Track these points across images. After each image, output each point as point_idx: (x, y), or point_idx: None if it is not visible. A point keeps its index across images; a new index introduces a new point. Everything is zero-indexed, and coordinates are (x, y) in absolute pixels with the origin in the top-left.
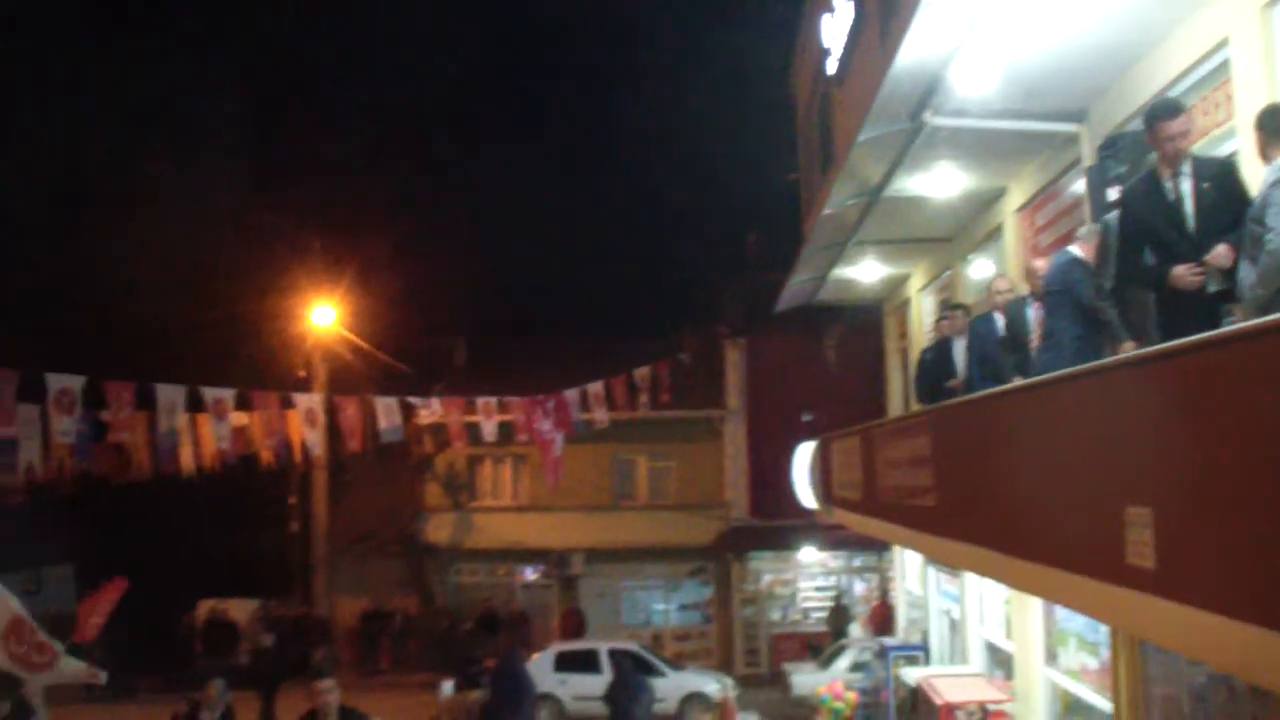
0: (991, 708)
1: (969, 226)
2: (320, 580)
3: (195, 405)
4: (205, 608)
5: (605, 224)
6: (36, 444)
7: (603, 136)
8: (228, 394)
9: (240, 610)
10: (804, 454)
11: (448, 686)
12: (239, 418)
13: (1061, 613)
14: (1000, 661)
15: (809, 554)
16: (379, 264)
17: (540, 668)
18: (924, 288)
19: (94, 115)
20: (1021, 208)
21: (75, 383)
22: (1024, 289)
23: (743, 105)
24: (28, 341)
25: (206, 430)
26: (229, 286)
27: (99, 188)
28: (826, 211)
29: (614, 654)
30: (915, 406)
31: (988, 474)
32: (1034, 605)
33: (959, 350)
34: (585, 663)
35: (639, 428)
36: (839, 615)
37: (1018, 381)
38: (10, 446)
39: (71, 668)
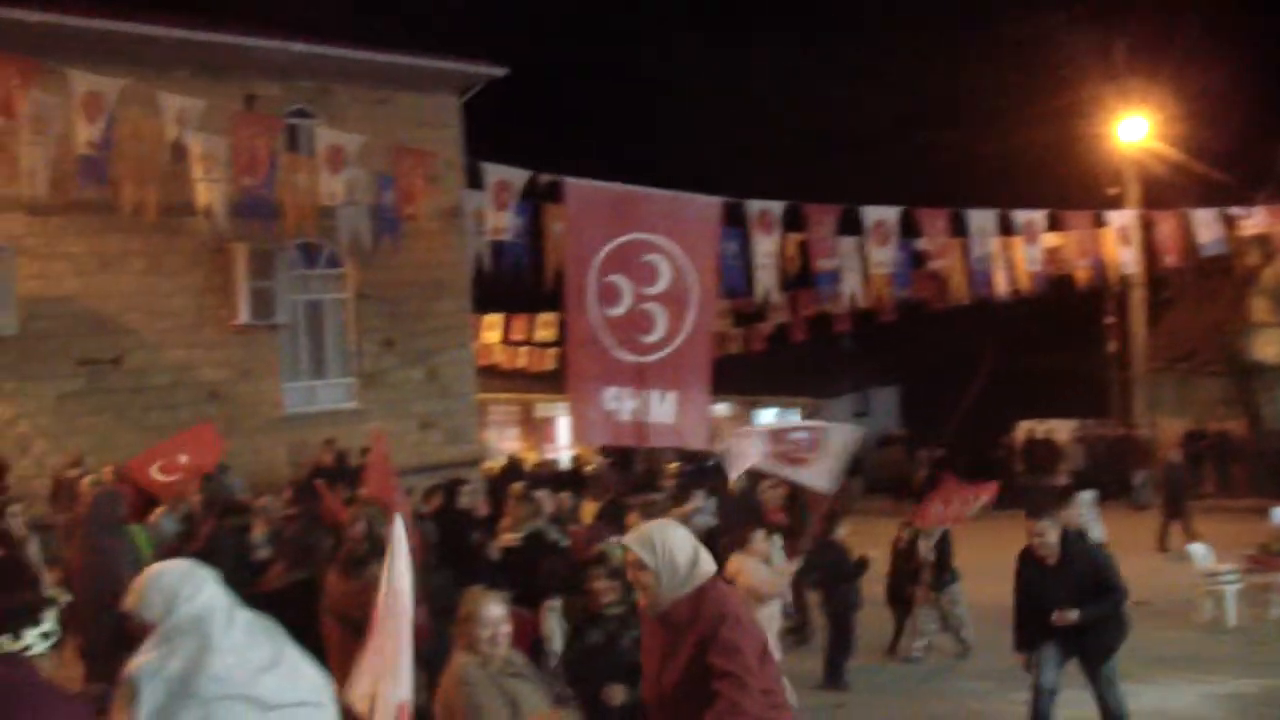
0: None
1: None
2: (1139, 400)
3: (1006, 229)
4: (1024, 427)
5: None
6: (857, 274)
7: None
8: (1038, 216)
9: (1059, 430)
10: None
11: None
12: (1051, 239)
13: None
14: None
15: None
16: (1191, 67)
17: None
18: None
19: None
20: None
21: (891, 214)
22: None
23: None
24: (844, 177)
25: (1018, 253)
26: (1034, 109)
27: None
28: None
29: None
30: None
31: None
32: None
33: None
34: None
35: None
36: None
37: None
38: (833, 278)
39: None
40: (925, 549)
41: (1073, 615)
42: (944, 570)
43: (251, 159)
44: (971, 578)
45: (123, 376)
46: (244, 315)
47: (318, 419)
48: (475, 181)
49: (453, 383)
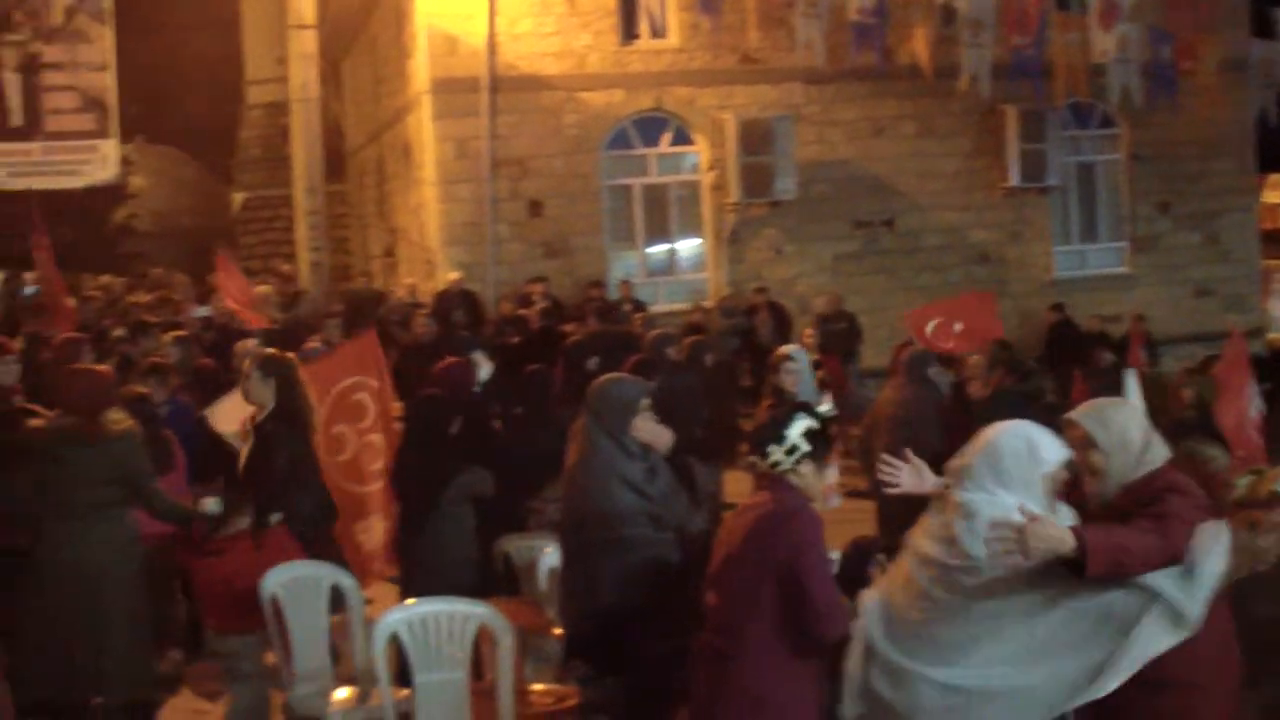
0: None
1: None
2: None
3: None
4: None
5: None
6: None
7: None
8: None
9: None
10: None
11: None
12: None
13: None
14: None
15: None
16: None
17: None
18: None
19: None
20: None
21: None
22: None
23: None
24: None
25: None
26: None
27: None
28: None
29: None
30: None
31: None
32: None
33: None
34: None
35: None
36: None
37: None
38: None
39: None
40: None
41: None
42: None
43: (1021, 18)
44: None
45: (895, 238)
46: (1014, 178)
47: (1087, 283)
48: (1263, 29)
49: (1233, 247)
